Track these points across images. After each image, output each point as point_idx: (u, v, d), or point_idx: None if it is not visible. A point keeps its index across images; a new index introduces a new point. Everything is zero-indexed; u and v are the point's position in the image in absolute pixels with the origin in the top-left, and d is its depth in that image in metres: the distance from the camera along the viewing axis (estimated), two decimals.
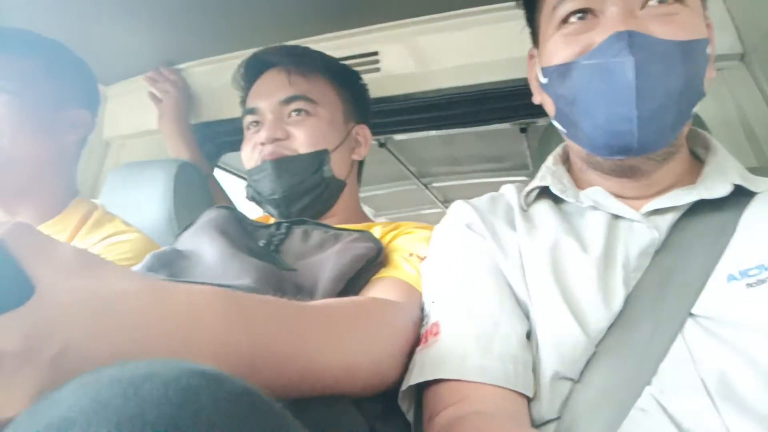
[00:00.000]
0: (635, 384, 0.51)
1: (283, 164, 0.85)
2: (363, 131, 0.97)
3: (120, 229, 0.94)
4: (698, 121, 0.83)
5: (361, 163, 1.01)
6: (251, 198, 0.92)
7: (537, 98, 0.72)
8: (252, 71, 0.95)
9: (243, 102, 0.96)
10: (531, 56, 0.72)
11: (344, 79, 0.96)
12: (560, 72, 0.61)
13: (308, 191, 0.86)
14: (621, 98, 0.55)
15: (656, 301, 0.55)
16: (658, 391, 0.50)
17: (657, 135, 0.57)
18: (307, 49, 0.95)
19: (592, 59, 0.57)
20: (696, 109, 0.83)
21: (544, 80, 0.66)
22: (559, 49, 0.61)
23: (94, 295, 0.32)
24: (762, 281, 0.52)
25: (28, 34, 0.92)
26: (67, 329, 0.30)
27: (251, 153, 0.89)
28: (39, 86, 0.90)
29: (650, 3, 0.57)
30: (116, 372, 0.25)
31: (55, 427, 0.23)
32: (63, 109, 0.94)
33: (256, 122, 0.90)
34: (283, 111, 0.88)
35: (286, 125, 0.87)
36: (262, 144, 0.86)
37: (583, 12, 0.60)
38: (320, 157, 0.87)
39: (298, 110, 0.88)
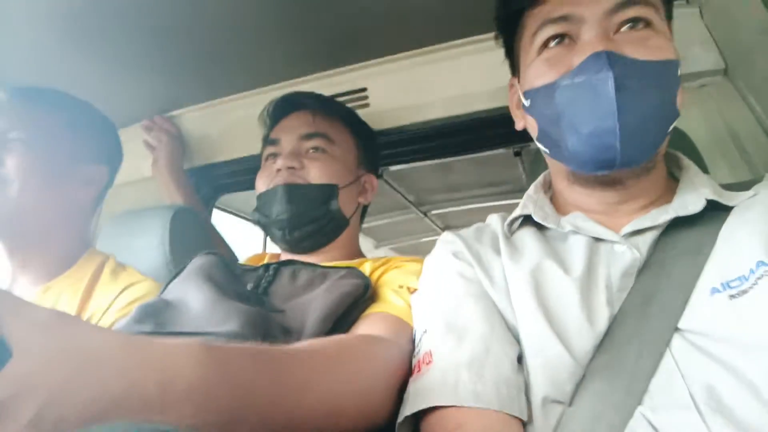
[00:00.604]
0: (626, 404, 0.51)
1: (293, 190, 0.88)
2: (371, 180, 1.02)
3: (136, 278, 0.95)
4: (686, 140, 0.83)
5: (365, 209, 1.05)
6: (257, 222, 0.93)
7: (520, 124, 0.74)
8: (279, 111, 1.00)
9: (265, 138, 0.99)
10: (511, 85, 0.76)
11: (360, 130, 1.03)
12: (543, 93, 0.64)
13: (314, 220, 0.89)
14: (603, 112, 0.58)
15: (641, 319, 0.55)
16: (649, 410, 0.50)
17: (638, 149, 0.59)
18: (331, 98, 1.02)
19: (574, 78, 0.60)
20: (684, 127, 0.85)
21: (526, 103, 0.68)
22: (541, 72, 0.64)
23: (70, 351, 0.32)
24: (744, 291, 0.52)
25: (52, 92, 0.95)
26: (44, 388, 0.30)
27: (265, 179, 0.92)
28: (57, 140, 0.92)
29: (622, 29, 0.61)
30: None
31: None
32: (80, 164, 0.95)
33: (275, 154, 0.94)
34: (302, 146, 0.92)
35: (302, 158, 0.91)
36: (278, 170, 0.89)
37: (561, 37, 0.64)
38: (329, 190, 0.90)
39: (317, 148, 0.92)
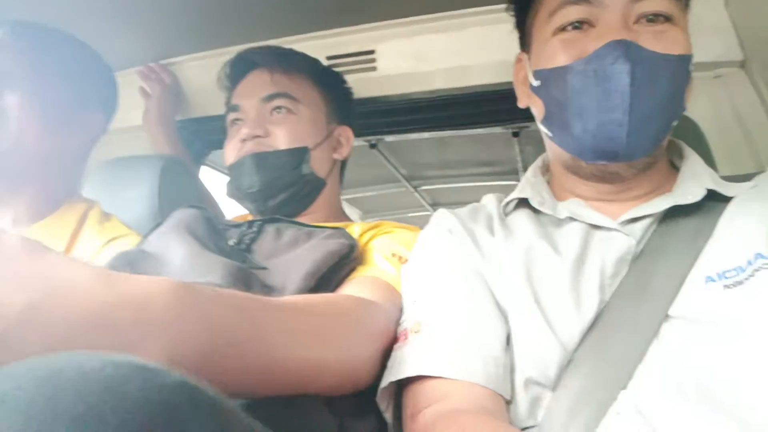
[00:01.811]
0: (611, 388, 0.51)
1: (261, 159, 0.85)
2: (345, 132, 0.97)
3: (122, 231, 0.92)
4: (695, 129, 0.82)
5: (343, 164, 1.01)
6: (231, 194, 0.91)
7: (524, 102, 0.73)
8: (236, 71, 0.95)
9: (227, 102, 0.95)
10: (519, 60, 0.74)
11: (328, 80, 0.97)
12: (555, 75, 0.63)
13: (286, 187, 0.86)
14: (614, 104, 0.57)
15: (633, 305, 0.55)
16: (634, 395, 0.50)
17: (643, 143, 0.59)
18: (291, 50, 0.96)
19: (590, 63, 0.59)
20: (693, 116, 0.84)
21: (535, 83, 0.67)
22: (555, 53, 0.63)
23: (37, 278, 0.31)
24: (739, 282, 0.52)
25: (56, 33, 0.91)
26: (3, 315, 0.28)
27: (232, 149, 0.89)
28: (58, 84, 0.89)
29: (642, 20, 0.60)
30: (32, 363, 0.24)
31: None
32: (78, 110, 0.92)
33: (239, 120, 0.90)
34: (264, 109, 0.88)
35: (267, 123, 0.87)
36: (243, 140, 0.86)
37: (580, 22, 0.62)
38: (299, 154, 0.87)
39: (279, 108, 0.88)
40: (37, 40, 0.89)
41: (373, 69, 1.15)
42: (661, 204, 0.61)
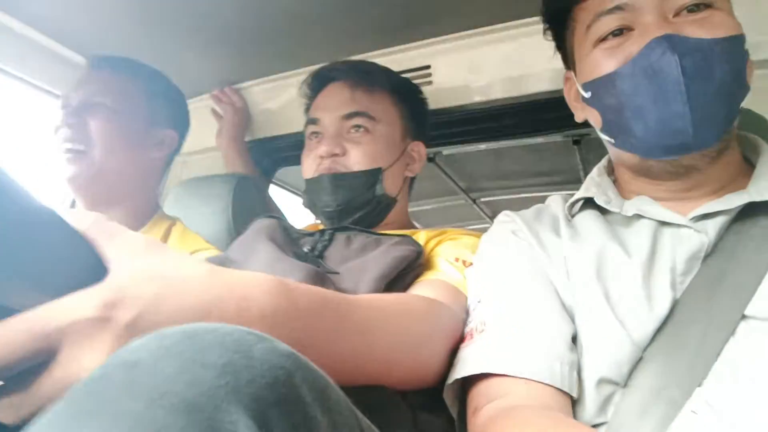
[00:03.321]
0: (685, 386, 0.50)
1: (337, 180, 0.88)
2: (418, 148, 0.99)
3: (203, 245, 1.00)
4: (763, 124, 0.79)
5: (413, 178, 1.03)
6: (307, 206, 0.95)
7: (580, 116, 0.73)
8: (318, 83, 0.99)
9: (306, 111, 1.00)
10: (567, 79, 0.74)
11: (406, 94, 0.99)
12: (604, 83, 0.63)
13: (360, 207, 0.89)
14: (671, 96, 0.56)
15: (707, 303, 0.54)
16: (709, 392, 0.49)
17: (710, 129, 0.57)
18: (372, 64, 0.99)
19: (637, 64, 0.59)
20: (763, 112, 0.80)
21: (586, 95, 0.67)
22: (600, 62, 0.63)
23: (159, 274, 0.36)
24: None
25: (130, 61, 1.02)
26: (137, 300, 0.34)
27: (310, 164, 0.92)
28: (135, 105, 0.99)
29: (682, 13, 0.59)
30: (177, 329, 0.29)
31: (123, 364, 0.26)
32: (153, 127, 1.02)
33: (317, 133, 0.94)
34: (343, 126, 0.91)
35: (344, 141, 0.90)
36: (321, 157, 0.89)
37: (619, 30, 0.62)
38: (374, 176, 0.90)
39: (358, 126, 0.90)
40: (115, 69, 0.99)
41: (430, 83, 1.18)
42: (735, 200, 0.58)
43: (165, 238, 1.00)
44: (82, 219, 0.37)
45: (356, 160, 0.89)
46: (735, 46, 0.59)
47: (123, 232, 0.39)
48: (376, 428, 0.39)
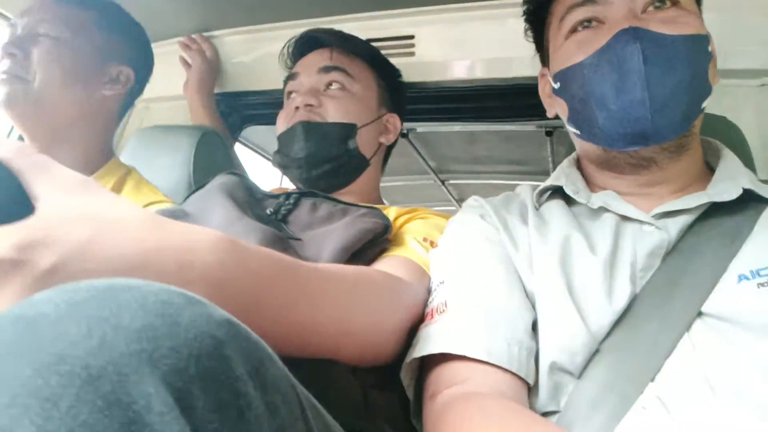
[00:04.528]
0: (638, 381, 0.51)
1: (311, 127, 0.87)
2: (393, 119, 0.99)
3: (159, 198, 0.95)
4: (738, 135, 0.81)
5: (388, 151, 1.02)
6: (278, 163, 0.93)
7: (551, 112, 0.75)
8: (299, 49, 0.99)
9: (288, 78, 0.97)
10: (542, 75, 0.77)
11: (384, 69, 1.00)
12: (572, 73, 0.65)
13: (331, 158, 0.87)
14: (632, 84, 0.59)
15: (664, 300, 0.55)
16: (661, 388, 0.50)
17: (670, 122, 0.59)
18: (352, 35, 0.98)
19: (602, 55, 0.61)
20: (736, 121, 0.82)
21: (556, 85, 0.69)
22: (569, 53, 0.65)
23: (91, 216, 0.32)
24: None
25: None
26: (61, 245, 0.30)
27: (285, 118, 0.91)
28: (84, 37, 0.92)
29: (649, 9, 0.63)
30: (95, 282, 0.25)
31: (24, 319, 0.23)
32: (106, 63, 0.95)
33: (294, 92, 0.93)
34: (320, 81, 0.91)
35: (321, 95, 0.90)
36: (296, 108, 0.88)
37: (589, 21, 0.65)
38: (347, 129, 0.89)
39: (334, 82, 0.90)
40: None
41: (412, 54, 1.15)
42: (695, 200, 0.60)
43: (117, 187, 0.95)
44: (5, 146, 0.33)
45: (331, 112, 0.88)
46: (698, 44, 0.61)
47: (54, 166, 0.34)
48: (321, 406, 0.36)
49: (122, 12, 1.00)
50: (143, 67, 1.04)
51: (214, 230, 0.39)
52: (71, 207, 0.32)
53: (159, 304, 0.24)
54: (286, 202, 0.82)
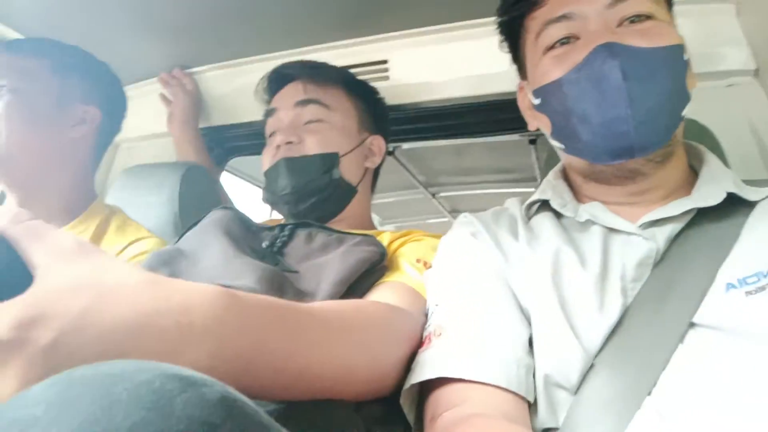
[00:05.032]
0: (635, 395, 0.51)
1: (293, 163, 0.87)
2: (377, 141, 0.99)
3: (144, 234, 0.95)
4: (709, 136, 0.82)
5: (375, 173, 1.02)
6: (266, 200, 0.93)
7: (533, 124, 0.74)
8: (273, 85, 0.99)
9: (266, 115, 0.98)
10: (521, 88, 0.76)
11: (360, 91, 0.99)
12: (552, 89, 0.65)
13: (317, 191, 0.87)
14: (613, 100, 0.59)
15: (656, 311, 0.55)
16: (658, 402, 0.49)
17: (654, 133, 0.60)
18: (323, 63, 0.99)
19: (581, 71, 0.61)
20: (707, 123, 0.83)
21: (536, 101, 0.69)
22: (548, 69, 0.65)
23: (89, 284, 0.32)
24: (761, 288, 0.51)
25: (36, 40, 0.96)
26: (59, 319, 0.30)
27: (268, 156, 0.92)
28: (42, 84, 0.92)
29: (624, 23, 0.63)
30: (89, 371, 0.25)
31: (18, 422, 0.22)
32: (67, 105, 0.95)
33: (275, 132, 0.93)
34: (298, 116, 0.91)
35: (300, 131, 0.90)
36: (278, 147, 0.89)
37: (567, 38, 0.65)
38: (329, 159, 0.88)
39: (313, 120, 0.90)
40: (17, 50, 0.93)
41: (386, 78, 1.16)
42: (679, 207, 0.60)
43: (102, 228, 0.95)
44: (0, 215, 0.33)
45: (311, 146, 0.88)
46: (674, 54, 0.62)
47: (49, 232, 0.34)
48: None
49: (80, 53, 0.99)
50: (111, 103, 1.03)
51: (212, 286, 0.39)
52: (68, 277, 0.32)
53: (152, 394, 0.24)
54: (282, 234, 0.82)
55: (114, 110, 1.04)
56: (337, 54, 1.10)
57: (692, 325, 0.53)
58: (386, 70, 1.17)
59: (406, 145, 2.09)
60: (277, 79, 0.98)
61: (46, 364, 0.28)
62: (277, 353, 0.41)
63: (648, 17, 0.62)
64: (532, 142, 1.98)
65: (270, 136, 0.95)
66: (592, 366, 0.54)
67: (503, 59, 1.09)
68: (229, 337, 0.37)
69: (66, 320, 0.30)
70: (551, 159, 0.94)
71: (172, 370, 0.26)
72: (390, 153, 2.17)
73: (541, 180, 0.77)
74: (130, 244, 0.92)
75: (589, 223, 0.65)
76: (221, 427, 0.25)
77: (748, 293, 0.52)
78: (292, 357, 0.43)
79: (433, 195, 2.82)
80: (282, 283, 0.67)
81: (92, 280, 0.32)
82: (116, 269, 0.34)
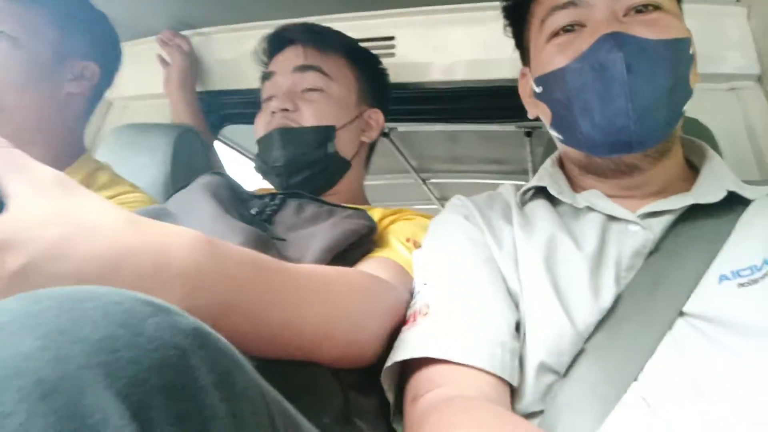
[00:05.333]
0: (621, 380, 0.51)
1: (287, 134, 0.86)
2: (376, 115, 0.97)
3: (131, 189, 0.93)
4: (708, 134, 0.83)
5: (371, 149, 1.00)
6: (258, 168, 0.92)
7: (533, 112, 0.74)
8: (272, 47, 0.96)
9: (263, 78, 0.96)
10: (523, 75, 0.75)
11: (362, 60, 0.96)
12: (554, 77, 0.64)
13: (310, 165, 0.86)
14: (615, 93, 0.58)
15: (647, 299, 0.55)
16: (644, 388, 0.50)
17: (652, 129, 0.59)
18: (326, 28, 0.96)
19: (585, 60, 0.60)
20: (705, 123, 0.84)
21: (538, 89, 0.68)
22: (552, 57, 0.64)
23: (65, 216, 0.32)
24: (754, 281, 0.52)
25: None
26: (31, 245, 0.29)
27: (262, 122, 0.90)
28: (42, 35, 0.89)
29: (631, 12, 0.62)
30: (57, 290, 0.25)
31: None
32: (67, 59, 0.92)
33: (272, 96, 0.91)
34: (296, 82, 0.89)
35: (297, 98, 0.88)
36: (273, 113, 0.87)
37: (571, 26, 0.64)
38: (325, 133, 0.87)
39: (311, 88, 0.88)
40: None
41: (392, 55, 1.15)
42: (680, 201, 0.61)
43: (88, 182, 0.93)
44: None
45: (308, 116, 0.86)
46: (681, 48, 0.61)
47: (30, 163, 0.33)
48: (295, 412, 0.36)
49: (82, 5, 0.96)
50: (109, 59, 1.01)
51: (192, 230, 0.38)
52: (44, 207, 0.32)
53: (122, 314, 0.24)
54: (272, 203, 0.81)
55: (111, 66, 1.01)
56: (344, 26, 1.06)
57: (682, 314, 0.54)
58: (393, 46, 1.15)
59: (401, 128, 2.08)
60: (277, 42, 0.95)
61: (16, 289, 0.27)
62: (254, 303, 0.41)
63: (656, 7, 0.62)
64: (528, 134, 1.98)
65: (266, 100, 0.92)
66: (582, 350, 0.55)
67: (507, 45, 1.10)
68: (206, 281, 0.37)
69: (39, 248, 0.29)
70: (547, 155, 0.94)
71: (145, 297, 0.26)
72: (385, 134, 2.16)
73: (534, 174, 0.77)
74: (117, 195, 0.90)
75: (587, 210, 0.65)
76: (191, 355, 0.25)
77: (741, 285, 0.53)
78: (268, 312, 0.43)
79: (424, 181, 2.82)
80: (268, 248, 0.66)
81: (70, 213, 0.32)
82: (96, 205, 0.34)
